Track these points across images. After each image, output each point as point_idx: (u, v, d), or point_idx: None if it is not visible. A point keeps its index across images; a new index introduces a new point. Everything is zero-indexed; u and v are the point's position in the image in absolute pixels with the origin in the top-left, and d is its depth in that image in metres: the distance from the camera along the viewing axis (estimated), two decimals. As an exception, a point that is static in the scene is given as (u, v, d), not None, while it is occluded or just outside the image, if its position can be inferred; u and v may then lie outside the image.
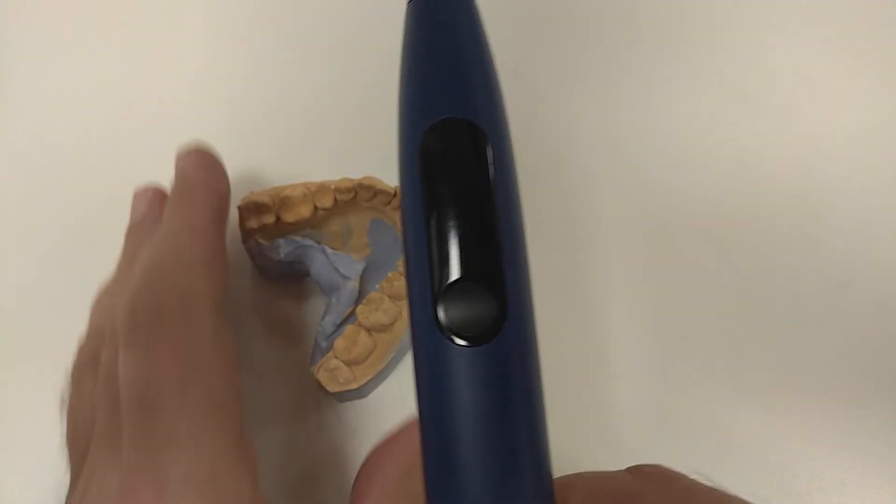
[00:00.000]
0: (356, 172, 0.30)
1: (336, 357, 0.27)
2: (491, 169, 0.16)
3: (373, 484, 0.19)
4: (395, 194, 0.30)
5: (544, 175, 0.34)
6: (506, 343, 0.15)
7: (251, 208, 0.29)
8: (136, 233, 0.28)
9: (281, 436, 0.29)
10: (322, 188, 0.29)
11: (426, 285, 0.15)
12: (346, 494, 0.28)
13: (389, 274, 0.29)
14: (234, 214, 0.30)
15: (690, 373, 0.30)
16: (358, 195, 0.30)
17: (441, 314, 0.15)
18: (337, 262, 0.30)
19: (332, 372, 0.27)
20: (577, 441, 0.29)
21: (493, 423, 0.15)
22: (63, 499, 0.28)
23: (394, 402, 0.29)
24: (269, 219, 0.29)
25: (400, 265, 0.29)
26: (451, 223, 0.15)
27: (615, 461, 0.29)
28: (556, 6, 0.38)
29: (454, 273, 0.15)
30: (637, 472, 0.19)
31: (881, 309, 0.31)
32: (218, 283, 0.24)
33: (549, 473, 0.16)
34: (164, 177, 0.34)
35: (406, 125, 0.17)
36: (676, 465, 0.29)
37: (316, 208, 0.29)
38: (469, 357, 0.15)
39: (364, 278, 0.30)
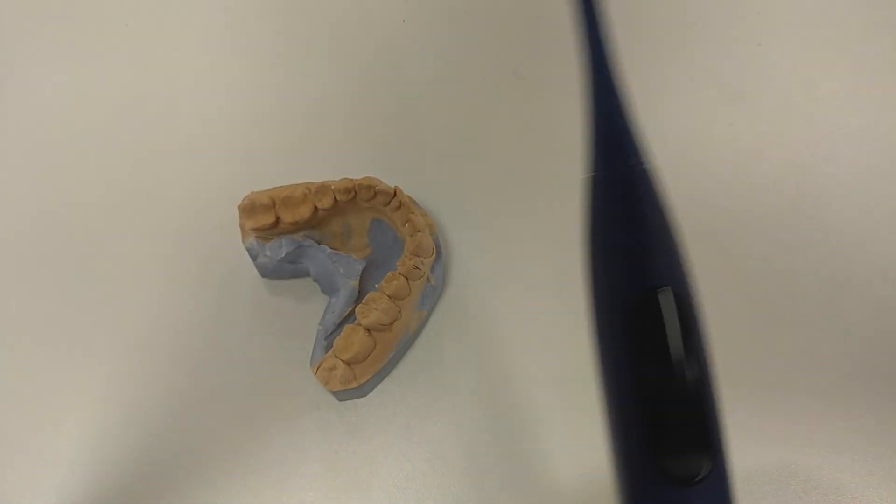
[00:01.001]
0: (356, 173, 0.30)
1: (336, 356, 0.27)
2: (691, 331, 0.17)
3: None
4: (395, 194, 0.30)
5: (544, 175, 0.34)
6: (717, 483, 0.17)
7: (252, 208, 0.29)
8: None
9: (281, 435, 0.29)
10: (322, 188, 0.29)
11: (641, 440, 0.17)
12: (347, 494, 0.28)
13: (389, 274, 0.29)
14: (234, 214, 0.30)
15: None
16: (358, 195, 0.30)
17: (661, 460, 0.17)
18: (337, 262, 0.30)
19: (332, 371, 0.27)
20: (578, 441, 0.29)
21: None
22: (63, 499, 0.28)
23: (393, 400, 0.30)
24: (270, 219, 0.29)
25: (399, 265, 0.29)
26: (664, 385, 0.17)
27: (606, 457, 0.29)
28: (556, 7, 0.38)
29: (669, 432, 0.17)
30: None
31: (878, 308, 0.31)
32: None
33: None
34: (165, 177, 0.34)
35: (611, 293, 0.18)
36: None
37: (316, 208, 0.29)
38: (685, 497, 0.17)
39: (364, 278, 0.30)
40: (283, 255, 0.30)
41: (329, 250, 0.30)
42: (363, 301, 0.28)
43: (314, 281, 0.31)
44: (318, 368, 0.28)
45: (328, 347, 0.29)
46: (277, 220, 0.29)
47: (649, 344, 0.17)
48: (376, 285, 0.29)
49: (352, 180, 0.30)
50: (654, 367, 0.17)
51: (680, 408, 0.17)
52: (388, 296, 0.28)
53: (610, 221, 0.18)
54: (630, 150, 0.18)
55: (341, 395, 0.29)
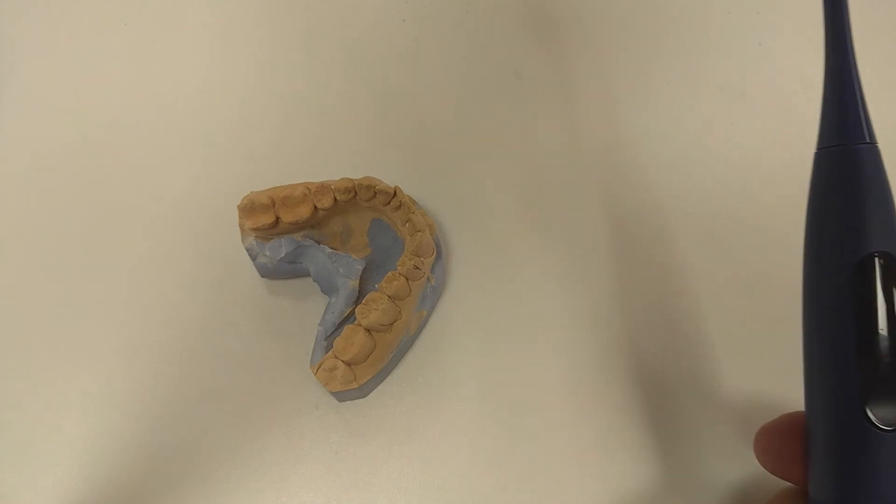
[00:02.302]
0: (356, 173, 0.30)
1: (336, 357, 0.27)
2: None
3: None
4: (395, 194, 0.30)
5: (544, 175, 0.34)
6: None
7: (251, 208, 0.29)
8: None
9: (280, 435, 0.29)
10: (322, 188, 0.29)
11: (853, 380, 0.19)
12: (347, 494, 0.28)
13: (389, 274, 0.29)
14: (233, 214, 0.30)
15: (688, 372, 0.30)
16: (358, 195, 0.30)
17: (867, 406, 0.19)
18: (337, 262, 0.30)
19: (331, 371, 0.27)
20: (578, 440, 0.29)
21: None
22: (62, 498, 0.28)
23: (394, 401, 0.30)
24: (269, 219, 0.29)
25: (399, 265, 0.29)
26: (882, 330, 0.19)
27: (612, 458, 0.29)
28: (556, 8, 0.38)
29: (879, 372, 0.19)
30: None
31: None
32: None
33: None
34: (166, 177, 0.34)
35: (834, 254, 0.20)
36: (674, 462, 0.29)
37: (316, 208, 0.29)
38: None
39: (364, 278, 0.30)
40: (282, 254, 0.29)
41: (329, 250, 0.30)
42: (363, 301, 0.28)
43: (314, 281, 0.31)
44: (317, 369, 0.27)
45: (328, 348, 0.29)
46: (277, 219, 0.29)
47: (869, 302, 0.19)
48: (376, 285, 0.29)
49: (351, 180, 0.30)
50: (873, 319, 0.19)
51: (893, 357, 0.19)
52: (389, 296, 0.28)
53: (840, 191, 0.20)
54: (863, 128, 0.21)
55: (341, 396, 0.29)
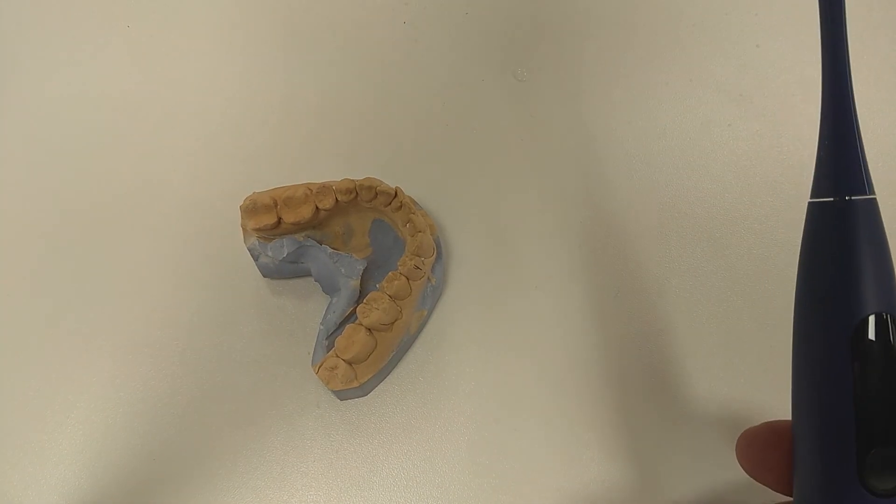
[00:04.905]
0: (357, 173, 0.30)
1: (337, 356, 0.28)
2: None
3: None
4: (396, 195, 0.30)
5: (544, 176, 0.34)
6: None
7: (253, 209, 0.29)
8: None
9: (282, 434, 0.29)
10: (324, 189, 0.29)
11: (850, 448, 0.18)
12: (348, 493, 0.28)
13: (390, 274, 0.29)
14: (236, 215, 0.30)
15: (687, 372, 0.30)
16: (359, 196, 0.30)
17: (865, 473, 0.18)
18: (338, 262, 0.30)
19: (333, 370, 0.28)
20: (578, 440, 0.29)
21: None
22: (64, 497, 0.28)
23: (394, 400, 0.30)
24: (271, 219, 0.29)
25: (400, 265, 0.29)
26: (881, 396, 0.18)
27: (612, 458, 0.29)
28: (556, 10, 0.38)
29: (877, 439, 0.18)
30: None
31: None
32: None
33: None
34: (167, 177, 0.34)
35: (830, 317, 0.19)
36: (671, 461, 0.29)
37: (317, 209, 0.30)
38: None
39: (365, 278, 0.30)
40: (284, 255, 0.30)
41: (330, 250, 0.30)
42: (364, 301, 0.28)
43: (315, 281, 0.31)
44: (319, 368, 0.28)
45: (329, 347, 0.29)
46: (279, 220, 0.29)
47: (869, 365, 0.18)
48: (377, 285, 0.29)
49: (353, 181, 0.30)
50: (872, 385, 0.18)
51: (891, 423, 0.18)
52: (389, 296, 0.28)
53: (837, 248, 0.19)
54: (862, 179, 0.19)
55: (342, 395, 0.29)
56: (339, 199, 0.30)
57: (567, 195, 0.34)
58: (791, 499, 0.21)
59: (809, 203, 0.20)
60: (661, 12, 0.38)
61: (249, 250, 0.30)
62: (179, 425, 0.29)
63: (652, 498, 0.29)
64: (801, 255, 0.20)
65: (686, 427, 0.30)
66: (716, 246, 0.33)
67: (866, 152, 0.19)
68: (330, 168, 0.32)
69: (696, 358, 0.31)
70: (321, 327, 0.29)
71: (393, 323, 0.28)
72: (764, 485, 0.22)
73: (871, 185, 0.19)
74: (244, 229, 0.30)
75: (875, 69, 0.37)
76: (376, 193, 0.30)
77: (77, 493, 0.28)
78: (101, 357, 0.30)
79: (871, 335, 0.18)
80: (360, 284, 0.30)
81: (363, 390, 0.29)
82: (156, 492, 0.28)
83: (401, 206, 0.30)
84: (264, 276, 0.31)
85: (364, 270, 0.30)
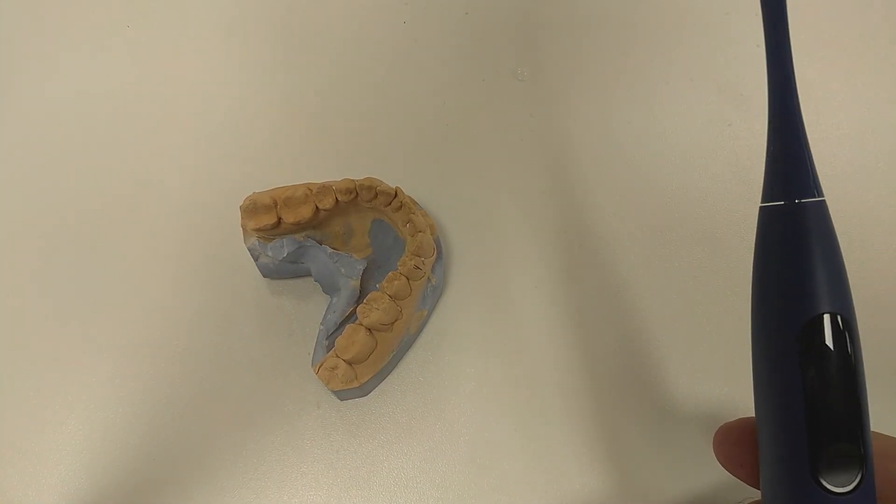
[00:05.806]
0: (357, 173, 0.30)
1: (337, 356, 0.28)
2: (851, 351, 0.19)
3: None
4: (396, 195, 0.30)
5: (544, 176, 0.34)
6: (867, 490, 0.19)
7: (253, 209, 0.29)
8: None
9: (282, 434, 0.29)
10: (323, 189, 0.30)
11: (802, 447, 0.19)
12: (348, 493, 0.28)
13: (390, 273, 0.29)
14: (236, 215, 0.30)
15: (687, 372, 0.30)
16: (359, 196, 0.30)
17: (819, 472, 0.19)
18: (338, 262, 0.30)
19: (333, 370, 0.28)
20: (577, 440, 0.29)
21: None
22: (64, 497, 0.28)
23: (394, 400, 0.30)
24: (271, 219, 0.29)
25: (400, 265, 0.29)
26: (831, 396, 0.19)
27: (613, 457, 0.29)
28: (556, 10, 0.38)
29: (829, 438, 0.19)
30: None
31: (875, 308, 0.31)
32: None
33: None
34: (167, 177, 0.34)
35: (781, 317, 0.20)
36: (668, 461, 0.29)
37: (317, 209, 0.30)
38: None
39: (365, 278, 0.30)
40: (284, 255, 0.30)
41: (330, 250, 0.30)
42: (364, 301, 0.28)
43: (315, 281, 0.31)
44: (319, 368, 0.28)
45: (329, 347, 0.29)
46: (279, 220, 0.29)
47: (818, 364, 0.19)
48: (377, 285, 0.29)
49: (353, 181, 0.30)
50: (822, 385, 0.19)
51: (842, 422, 0.19)
52: (390, 296, 0.28)
53: (787, 250, 0.20)
54: (810, 182, 0.20)
55: (342, 395, 0.29)
56: (339, 199, 0.30)
57: (567, 195, 0.34)
58: None
59: (761, 207, 0.20)
60: (662, 12, 0.38)
61: (249, 250, 0.30)
62: (179, 425, 0.29)
63: (656, 497, 0.29)
64: (754, 259, 0.21)
65: (686, 427, 0.30)
66: (716, 246, 0.33)
67: (814, 156, 0.20)
68: (330, 168, 0.32)
69: (695, 356, 0.31)
70: (321, 327, 0.29)
71: (393, 323, 0.28)
72: (739, 479, 0.22)
73: (820, 187, 0.20)
74: (244, 229, 0.30)
75: (876, 69, 0.37)
76: (376, 193, 0.30)
77: (77, 493, 0.28)
78: (101, 357, 0.30)
79: (820, 335, 0.19)
80: (360, 284, 0.30)
81: (363, 390, 0.29)
82: (156, 492, 0.28)
83: (401, 206, 0.30)
84: (264, 276, 0.31)
85: (364, 270, 0.30)
